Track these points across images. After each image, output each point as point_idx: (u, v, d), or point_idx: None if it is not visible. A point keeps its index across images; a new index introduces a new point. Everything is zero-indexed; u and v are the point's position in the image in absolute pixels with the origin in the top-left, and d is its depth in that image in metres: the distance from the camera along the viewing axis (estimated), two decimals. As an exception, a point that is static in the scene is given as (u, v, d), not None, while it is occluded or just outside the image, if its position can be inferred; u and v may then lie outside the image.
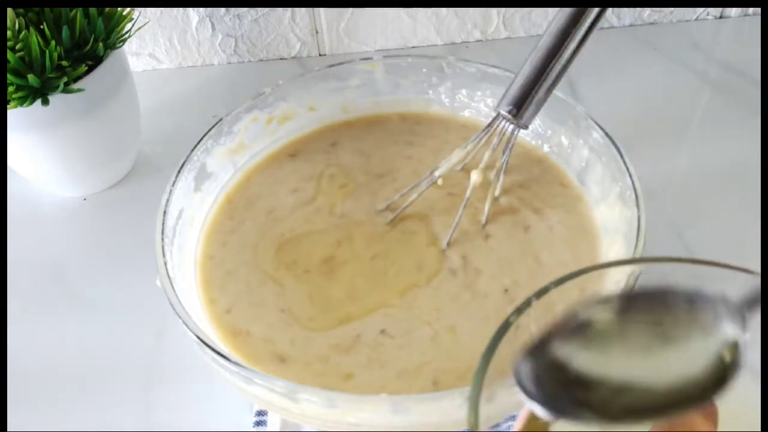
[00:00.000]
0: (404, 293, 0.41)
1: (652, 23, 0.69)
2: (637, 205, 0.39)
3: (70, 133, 0.51)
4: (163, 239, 0.40)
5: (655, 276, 0.28)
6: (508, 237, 0.44)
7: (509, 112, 0.41)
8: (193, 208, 0.45)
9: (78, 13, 0.48)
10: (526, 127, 0.42)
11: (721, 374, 0.22)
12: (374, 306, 0.41)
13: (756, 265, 0.49)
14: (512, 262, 0.42)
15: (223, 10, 0.64)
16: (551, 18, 0.41)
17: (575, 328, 0.24)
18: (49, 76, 0.47)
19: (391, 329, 0.40)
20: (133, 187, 0.58)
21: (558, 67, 0.41)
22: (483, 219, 0.44)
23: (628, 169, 0.41)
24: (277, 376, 0.36)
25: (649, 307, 0.24)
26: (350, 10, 0.65)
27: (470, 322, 0.40)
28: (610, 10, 0.66)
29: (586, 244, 0.43)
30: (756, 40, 0.65)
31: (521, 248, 0.43)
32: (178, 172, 0.43)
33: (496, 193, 0.45)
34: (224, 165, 0.47)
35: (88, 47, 0.49)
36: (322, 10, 0.65)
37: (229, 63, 0.68)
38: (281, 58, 0.68)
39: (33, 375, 0.47)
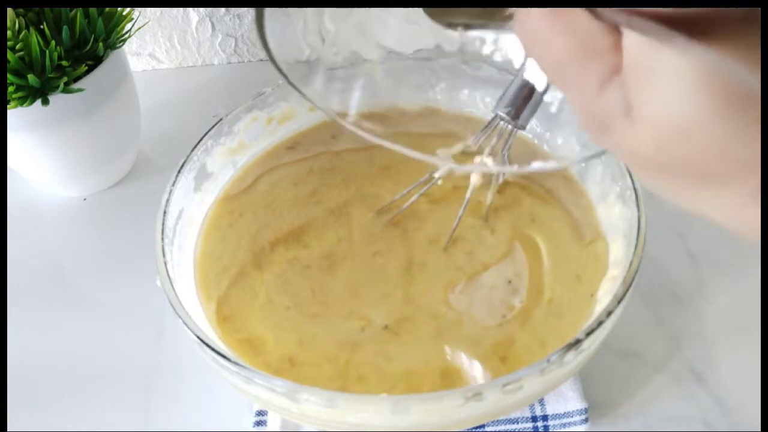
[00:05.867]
0: (408, 289, 0.41)
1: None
2: (637, 205, 0.39)
3: (70, 133, 0.51)
4: (163, 239, 0.40)
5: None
6: (513, 230, 0.44)
7: (507, 113, 0.42)
8: (193, 208, 0.45)
9: (78, 13, 0.48)
10: (523, 127, 0.42)
11: None
12: (379, 302, 0.41)
13: (756, 264, 0.49)
14: (516, 255, 0.42)
15: (223, 10, 0.64)
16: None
17: None
18: (49, 76, 0.47)
19: (396, 325, 0.40)
20: (133, 187, 0.58)
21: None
22: (485, 215, 0.44)
23: (628, 169, 0.41)
24: (277, 374, 0.36)
25: None
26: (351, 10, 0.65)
27: (476, 315, 0.40)
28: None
29: (589, 237, 0.43)
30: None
31: (525, 241, 0.43)
32: (178, 172, 0.43)
33: (495, 192, 0.45)
34: (224, 165, 0.47)
35: (88, 47, 0.49)
36: (322, 10, 0.65)
37: (229, 63, 0.68)
38: (281, 58, 0.68)
39: (33, 375, 0.47)
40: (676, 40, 0.16)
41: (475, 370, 0.38)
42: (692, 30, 0.17)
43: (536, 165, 0.47)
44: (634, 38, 0.18)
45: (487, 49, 0.40)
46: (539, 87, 0.36)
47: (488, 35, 0.34)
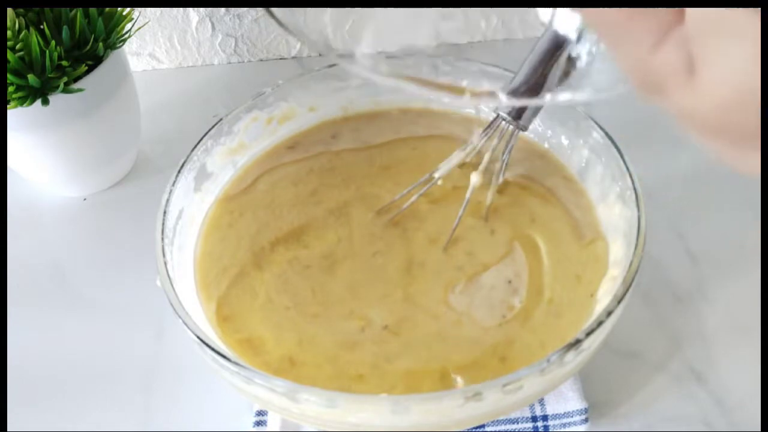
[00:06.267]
0: (408, 289, 0.41)
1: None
2: (637, 206, 0.39)
3: (70, 133, 0.51)
4: (163, 239, 0.40)
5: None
6: (513, 230, 0.44)
7: (508, 113, 0.41)
8: (193, 208, 0.45)
9: (78, 13, 0.48)
10: (525, 128, 0.42)
11: None
12: (378, 302, 0.41)
13: (756, 264, 0.49)
14: (516, 255, 0.42)
15: (223, 10, 0.64)
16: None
17: None
18: (49, 76, 0.47)
19: (396, 325, 0.40)
20: (133, 187, 0.58)
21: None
22: (485, 215, 0.44)
23: (628, 169, 0.41)
24: (277, 374, 0.36)
25: None
26: (350, 10, 0.65)
27: (476, 315, 0.40)
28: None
29: (589, 237, 0.43)
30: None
31: (525, 241, 0.43)
32: (178, 172, 0.43)
33: (495, 193, 0.45)
34: (224, 165, 0.47)
35: (88, 47, 0.49)
36: (322, 10, 0.65)
37: (229, 63, 0.68)
38: (281, 58, 0.68)
39: (33, 375, 0.47)
40: None
41: (474, 369, 0.38)
42: None
43: (565, 96, 0.45)
44: None
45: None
46: (571, 36, 0.34)
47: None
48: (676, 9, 0.17)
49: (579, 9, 0.19)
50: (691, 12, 0.17)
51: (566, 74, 0.37)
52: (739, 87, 0.16)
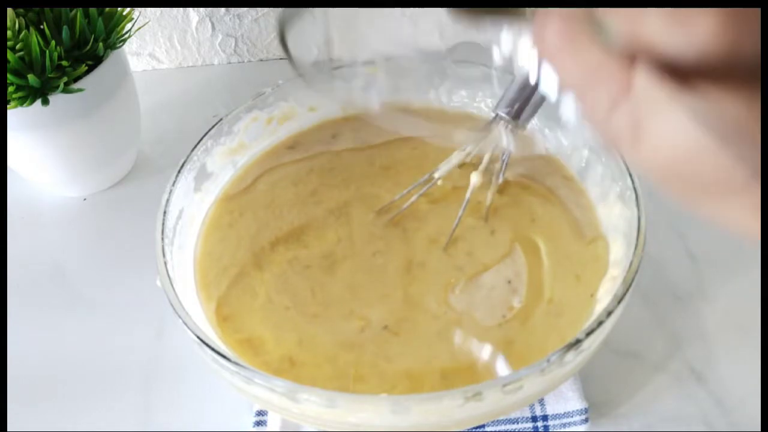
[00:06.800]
0: (408, 289, 0.41)
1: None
2: (637, 205, 0.39)
3: (70, 133, 0.51)
4: (163, 239, 0.40)
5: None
6: (513, 230, 0.44)
7: (507, 113, 0.41)
8: (193, 208, 0.45)
9: (78, 13, 0.48)
10: (524, 128, 0.42)
11: None
12: (378, 302, 0.41)
13: (756, 264, 0.49)
14: (516, 255, 0.42)
15: (223, 10, 0.64)
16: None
17: None
18: (49, 76, 0.47)
19: (396, 325, 0.40)
20: (133, 187, 0.58)
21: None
22: (485, 215, 0.44)
23: (628, 169, 0.41)
24: (277, 374, 0.36)
25: None
26: (350, 10, 0.65)
27: (476, 315, 0.40)
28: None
29: (590, 236, 0.43)
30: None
31: (525, 241, 0.43)
32: (178, 172, 0.43)
33: (495, 192, 0.45)
34: (224, 165, 0.47)
35: (88, 47, 0.49)
36: (322, 10, 0.65)
37: (229, 63, 0.68)
38: (281, 58, 0.68)
39: (33, 375, 0.47)
40: (675, 86, 0.18)
41: (474, 370, 0.38)
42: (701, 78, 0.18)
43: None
44: (643, 74, 0.19)
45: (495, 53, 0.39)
46: (552, 96, 0.35)
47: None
48: (626, 80, 0.20)
49: (545, 59, 0.21)
50: (636, 89, 0.20)
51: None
52: (677, 148, 0.19)
